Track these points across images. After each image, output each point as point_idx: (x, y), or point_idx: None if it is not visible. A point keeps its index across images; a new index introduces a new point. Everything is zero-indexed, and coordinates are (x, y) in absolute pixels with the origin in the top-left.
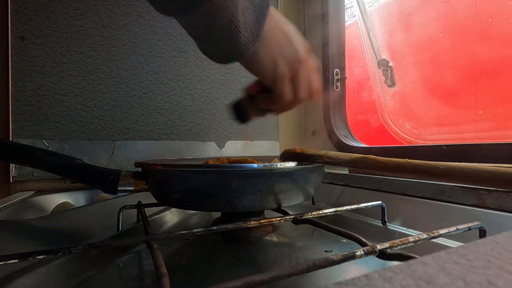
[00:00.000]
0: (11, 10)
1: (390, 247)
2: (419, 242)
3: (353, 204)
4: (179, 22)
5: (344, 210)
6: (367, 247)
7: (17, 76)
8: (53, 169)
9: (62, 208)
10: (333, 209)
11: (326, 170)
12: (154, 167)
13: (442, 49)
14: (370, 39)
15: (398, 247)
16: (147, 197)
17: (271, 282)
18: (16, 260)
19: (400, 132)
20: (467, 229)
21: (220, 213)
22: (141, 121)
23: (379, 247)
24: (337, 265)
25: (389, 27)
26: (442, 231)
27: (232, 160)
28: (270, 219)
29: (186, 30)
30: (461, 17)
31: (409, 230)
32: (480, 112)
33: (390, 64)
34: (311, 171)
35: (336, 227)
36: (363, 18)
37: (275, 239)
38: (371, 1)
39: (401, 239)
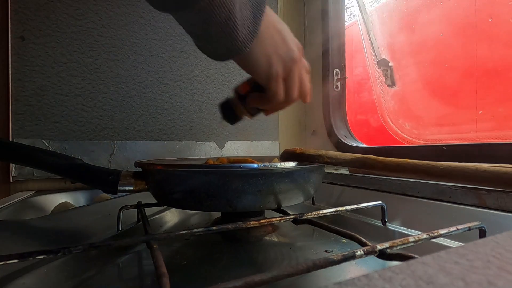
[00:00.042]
0: (11, 10)
1: (390, 247)
2: (419, 242)
3: (353, 204)
4: (176, 19)
5: (344, 210)
6: (367, 247)
7: (17, 76)
8: (53, 169)
9: (62, 208)
10: (333, 209)
11: (326, 170)
12: (154, 167)
13: (442, 49)
14: (370, 39)
15: (398, 247)
16: (147, 197)
17: (271, 282)
18: (16, 260)
19: (400, 132)
20: (467, 229)
21: (220, 213)
22: (141, 121)
23: (379, 247)
24: (337, 265)
25: (389, 27)
26: (442, 231)
27: (232, 160)
28: (270, 219)
29: (183, 26)
30: (461, 17)
31: (409, 230)
32: (480, 112)
33: (390, 64)
34: (311, 171)
35: (336, 227)
36: (363, 18)
37: (275, 239)
38: (371, 1)
39: (401, 239)
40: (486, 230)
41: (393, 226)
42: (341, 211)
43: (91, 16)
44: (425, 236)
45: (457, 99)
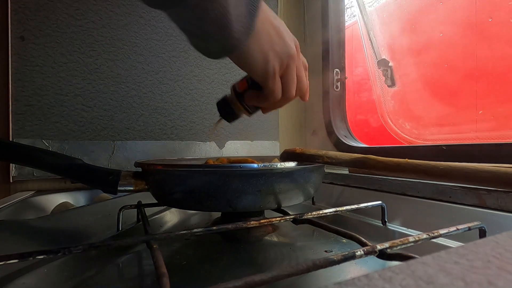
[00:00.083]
0: (11, 10)
1: (390, 247)
2: (419, 242)
3: (353, 204)
4: (169, 16)
5: (344, 210)
6: (367, 247)
7: (17, 76)
8: (53, 169)
9: (62, 208)
10: (333, 209)
11: (326, 170)
12: (154, 167)
13: (442, 49)
14: (370, 39)
15: (398, 247)
16: (147, 197)
17: (271, 282)
18: (16, 260)
19: (400, 132)
20: (467, 229)
21: (220, 213)
22: (141, 121)
23: (379, 247)
24: (337, 265)
25: (389, 27)
26: (442, 231)
27: (232, 160)
28: (270, 219)
29: (177, 24)
30: (461, 17)
31: (409, 230)
32: (480, 112)
33: (390, 64)
34: (311, 171)
35: (336, 227)
36: (363, 18)
37: (275, 239)
38: (371, 1)
39: (401, 239)
40: (486, 230)
41: (393, 226)
42: (341, 211)
43: (91, 16)
44: (425, 236)
45: (457, 99)
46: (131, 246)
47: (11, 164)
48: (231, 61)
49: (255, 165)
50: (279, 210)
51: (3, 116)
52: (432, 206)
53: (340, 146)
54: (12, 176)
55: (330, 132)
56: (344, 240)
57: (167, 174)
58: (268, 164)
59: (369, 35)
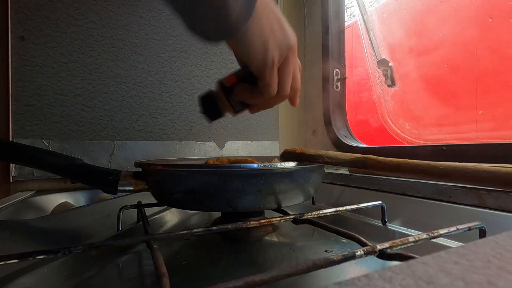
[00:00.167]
0: (11, 10)
1: (390, 247)
2: (419, 242)
3: (353, 204)
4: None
5: (344, 210)
6: (367, 247)
7: (17, 76)
8: (53, 169)
9: (62, 208)
10: (333, 209)
11: (326, 170)
12: (154, 167)
13: (442, 49)
14: (370, 39)
15: (398, 247)
16: (147, 197)
17: (271, 282)
18: (16, 260)
19: (400, 132)
20: (467, 229)
21: (220, 213)
22: (141, 121)
23: (379, 247)
24: (337, 265)
25: (389, 27)
26: (442, 231)
27: (232, 160)
28: (270, 219)
29: (173, 6)
30: (461, 17)
31: (409, 230)
32: (480, 112)
33: (390, 64)
34: (311, 171)
35: (336, 227)
36: (363, 18)
37: (275, 239)
38: (371, 1)
39: (401, 239)
40: (486, 230)
41: (393, 226)
42: (341, 211)
43: (91, 16)
44: (425, 236)
45: (457, 99)
46: (131, 246)
47: (11, 164)
48: (231, 61)
49: (255, 165)
50: (279, 210)
51: (3, 116)
52: (432, 206)
53: (340, 146)
54: (12, 176)
55: (330, 132)
56: (344, 240)
57: (167, 174)
58: (268, 164)
59: (369, 35)
